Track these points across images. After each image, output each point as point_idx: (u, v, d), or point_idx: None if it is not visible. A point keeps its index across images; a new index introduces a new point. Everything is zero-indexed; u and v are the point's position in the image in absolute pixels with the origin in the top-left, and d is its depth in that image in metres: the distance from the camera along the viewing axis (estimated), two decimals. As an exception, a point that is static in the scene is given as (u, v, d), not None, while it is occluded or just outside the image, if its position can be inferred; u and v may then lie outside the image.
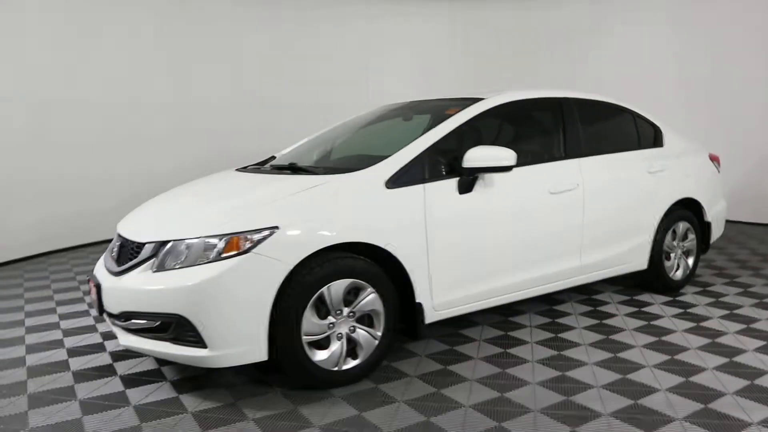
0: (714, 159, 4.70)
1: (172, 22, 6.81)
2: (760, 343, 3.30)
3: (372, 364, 2.88)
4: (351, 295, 2.80)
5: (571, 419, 2.47)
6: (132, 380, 2.91)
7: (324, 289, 2.68)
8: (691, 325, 3.61)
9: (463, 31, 8.13)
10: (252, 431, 2.40)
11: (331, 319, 2.74)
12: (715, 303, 4.05)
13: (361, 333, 2.84)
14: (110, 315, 2.81)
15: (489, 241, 3.20)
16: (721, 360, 3.06)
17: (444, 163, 3.12)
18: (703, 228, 4.50)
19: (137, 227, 2.95)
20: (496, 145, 3.13)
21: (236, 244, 2.54)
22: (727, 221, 6.10)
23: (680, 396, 2.66)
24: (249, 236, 2.56)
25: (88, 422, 2.49)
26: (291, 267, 2.58)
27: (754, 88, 6.96)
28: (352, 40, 7.84)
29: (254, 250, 2.53)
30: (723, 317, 3.75)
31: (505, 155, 3.06)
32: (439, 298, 3.06)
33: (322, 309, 2.72)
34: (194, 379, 2.90)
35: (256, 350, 2.57)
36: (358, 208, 2.82)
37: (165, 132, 6.83)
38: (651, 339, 3.38)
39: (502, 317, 3.78)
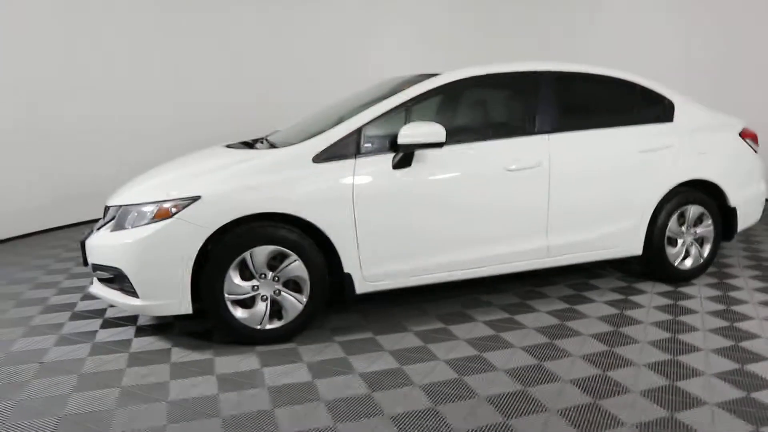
0: (748, 136, 4.16)
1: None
2: None
3: (297, 327, 3.10)
4: (277, 261, 3.04)
5: (749, 416, 2.35)
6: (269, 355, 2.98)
7: (246, 253, 2.95)
8: None
9: (469, 3, 7.81)
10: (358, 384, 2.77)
11: (255, 282, 3.01)
12: None
13: (287, 297, 3.07)
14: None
15: (425, 217, 3.22)
16: None
17: (385, 139, 3.19)
18: (726, 213, 4.04)
19: (116, 193, 3.43)
20: (435, 122, 3.13)
21: (165, 210, 2.90)
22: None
23: None
24: (174, 204, 2.89)
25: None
26: (210, 232, 2.87)
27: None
28: (351, 14, 7.53)
29: (177, 216, 2.86)
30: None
31: (434, 131, 3.06)
32: (369, 270, 3.17)
33: (247, 272, 3.00)
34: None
35: (181, 304, 2.92)
36: (282, 181, 3.01)
37: (163, 110, 6.66)
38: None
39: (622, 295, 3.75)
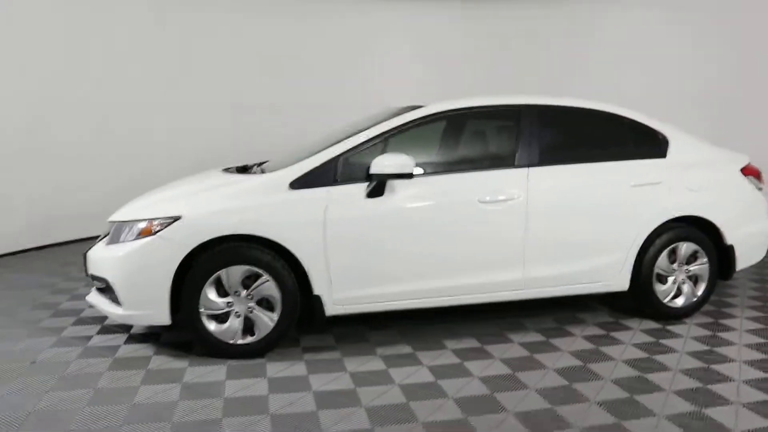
0: (751, 173, 4.03)
1: (166, 12, 6.72)
2: None
3: (268, 343, 3.27)
4: (251, 280, 3.23)
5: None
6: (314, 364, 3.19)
7: (222, 271, 3.16)
8: None
9: (466, 29, 7.89)
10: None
11: (229, 298, 3.21)
12: None
13: (259, 315, 3.25)
14: (93, 276, 3.64)
15: (396, 245, 3.33)
16: None
17: (361, 168, 3.34)
18: (723, 252, 3.93)
19: (118, 210, 3.74)
20: (416, 152, 3.26)
21: (149, 228, 3.16)
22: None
23: None
24: (157, 222, 3.15)
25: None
26: (189, 249, 3.10)
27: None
28: (350, 39, 7.65)
29: (158, 234, 3.11)
30: None
31: (403, 162, 3.19)
32: (339, 293, 3.31)
33: (223, 289, 3.20)
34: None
35: (161, 315, 3.16)
36: (258, 205, 3.20)
37: (159, 134, 6.81)
38: None
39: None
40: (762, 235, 4.08)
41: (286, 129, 7.12)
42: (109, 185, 6.39)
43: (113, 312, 3.25)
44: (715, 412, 2.66)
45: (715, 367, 3.15)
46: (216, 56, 7.09)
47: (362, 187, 3.30)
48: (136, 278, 3.14)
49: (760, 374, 3.07)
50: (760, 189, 4.09)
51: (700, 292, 3.90)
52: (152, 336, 3.57)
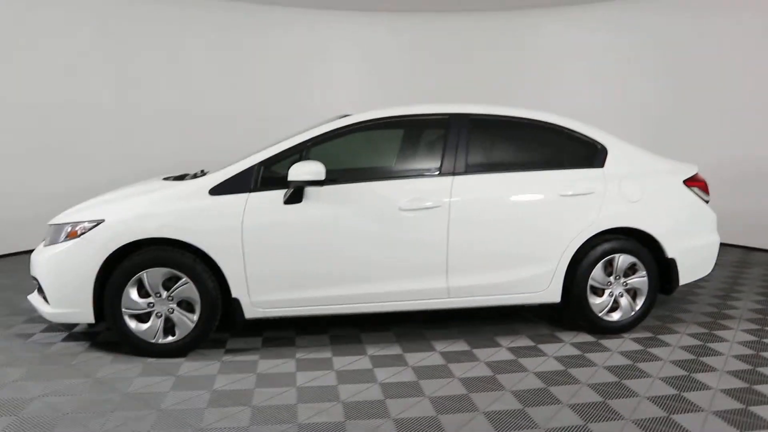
0: (696, 184, 3.92)
1: (109, 22, 6.67)
2: None
3: (188, 343, 3.38)
4: (173, 282, 3.36)
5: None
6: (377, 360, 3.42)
7: (143, 273, 3.30)
8: None
9: (410, 41, 7.96)
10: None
11: (151, 299, 3.35)
12: None
13: (179, 316, 3.37)
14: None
15: (313, 252, 3.39)
16: None
17: (281, 176, 3.42)
18: (665, 265, 3.83)
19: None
20: (340, 160, 3.34)
21: (74, 230, 3.33)
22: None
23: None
24: (82, 225, 3.32)
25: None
26: (110, 252, 3.25)
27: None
28: (295, 49, 7.70)
29: (83, 236, 3.28)
30: None
31: (314, 170, 3.26)
32: (257, 297, 3.40)
33: (144, 290, 3.34)
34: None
35: (85, 313, 3.32)
36: (178, 210, 3.33)
37: (103, 140, 6.73)
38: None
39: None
40: (708, 248, 3.97)
41: (235, 138, 7.12)
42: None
43: (44, 310, 3.43)
44: (601, 428, 2.62)
45: (628, 382, 3.08)
46: (164, 65, 7.09)
47: (281, 194, 3.39)
48: (61, 278, 3.31)
49: (739, 384, 3.04)
50: (706, 201, 3.97)
51: (638, 307, 3.82)
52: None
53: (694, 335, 3.80)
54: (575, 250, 3.68)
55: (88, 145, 6.65)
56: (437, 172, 3.59)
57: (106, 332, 3.77)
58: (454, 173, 3.58)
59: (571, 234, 3.66)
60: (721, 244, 6.59)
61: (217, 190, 3.39)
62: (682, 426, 2.61)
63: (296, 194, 3.37)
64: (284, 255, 3.39)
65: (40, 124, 6.29)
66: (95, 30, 6.61)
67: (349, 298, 3.49)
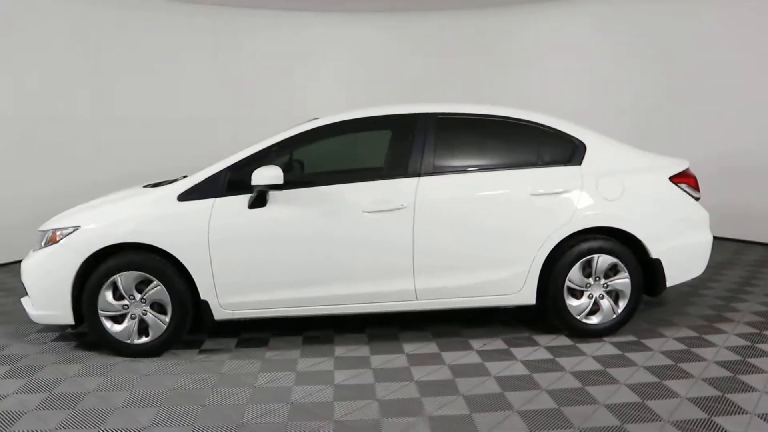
0: (684, 180, 3.72)
1: (88, 30, 6.57)
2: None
3: (162, 344, 3.50)
4: (146, 285, 3.48)
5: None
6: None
7: (117, 276, 3.44)
8: None
9: (396, 41, 7.83)
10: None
11: (125, 301, 3.49)
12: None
13: (152, 317, 3.49)
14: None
15: (278, 255, 3.43)
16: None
17: (246, 180, 3.46)
18: (650, 266, 3.65)
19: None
20: (306, 164, 3.38)
21: (54, 236, 3.51)
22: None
23: None
24: (60, 232, 3.49)
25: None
26: (86, 256, 3.40)
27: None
28: (281, 52, 7.62)
29: (61, 242, 3.45)
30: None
31: (273, 174, 3.30)
32: (225, 299, 3.47)
33: (118, 292, 3.48)
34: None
35: (65, 315, 3.48)
36: (149, 216, 3.45)
37: (82, 147, 6.63)
38: None
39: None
40: (698, 247, 3.75)
41: (218, 142, 7.01)
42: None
43: (30, 312, 3.63)
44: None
45: (591, 389, 2.96)
46: (146, 68, 6.99)
47: (246, 199, 3.45)
48: (42, 282, 3.49)
49: (712, 392, 2.90)
50: (696, 198, 3.76)
51: (620, 309, 3.66)
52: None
53: (681, 339, 3.61)
54: (549, 250, 3.56)
55: (71, 156, 6.57)
56: (403, 174, 3.56)
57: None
58: (420, 174, 3.54)
59: (544, 234, 3.54)
60: (737, 240, 6.37)
61: (184, 196, 3.48)
62: (631, 436, 2.49)
63: (260, 198, 3.42)
64: (250, 258, 3.45)
65: (21, 136, 6.20)
66: (72, 36, 6.48)
67: (316, 300, 3.52)
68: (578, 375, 3.13)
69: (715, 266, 5.39)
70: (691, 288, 4.71)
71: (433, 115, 3.67)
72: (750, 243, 6.39)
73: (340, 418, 2.72)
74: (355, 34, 7.85)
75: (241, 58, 7.56)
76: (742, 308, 4.17)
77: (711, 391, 2.88)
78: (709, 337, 3.62)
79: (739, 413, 2.65)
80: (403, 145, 3.63)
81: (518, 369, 3.24)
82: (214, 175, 3.51)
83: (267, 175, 3.32)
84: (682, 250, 3.70)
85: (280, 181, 3.31)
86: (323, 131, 3.64)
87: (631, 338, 3.65)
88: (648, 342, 3.58)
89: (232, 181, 3.50)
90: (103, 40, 6.72)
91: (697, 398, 2.81)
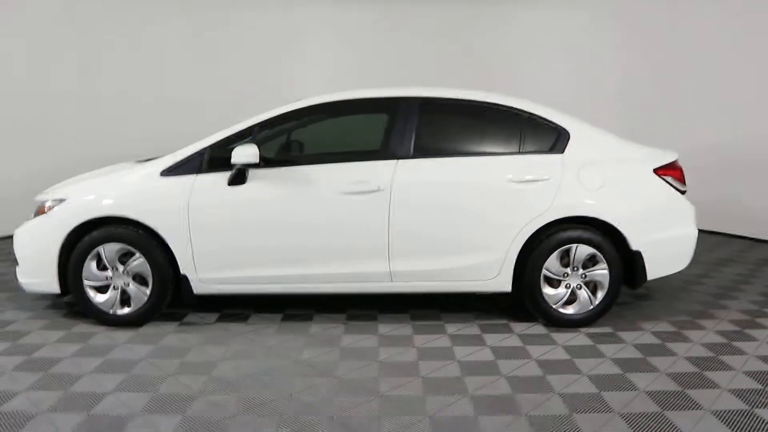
0: (669, 173, 3.63)
1: (75, 7, 6.56)
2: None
3: (143, 314, 3.62)
4: (128, 257, 3.60)
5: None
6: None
7: (100, 248, 3.56)
8: None
9: (388, 26, 7.64)
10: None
11: (109, 272, 3.61)
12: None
13: (133, 289, 3.62)
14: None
15: (255, 232, 3.50)
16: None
17: (227, 159, 3.52)
18: (629, 257, 3.59)
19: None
20: (289, 144, 3.44)
21: (42, 207, 3.65)
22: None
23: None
24: (48, 204, 3.62)
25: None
26: (70, 228, 3.53)
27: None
28: (269, 32, 7.45)
29: (48, 213, 3.59)
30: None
31: (249, 152, 3.36)
32: (204, 274, 3.56)
33: (102, 263, 3.60)
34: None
35: (51, 284, 3.63)
36: (132, 191, 3.55)
37: (68, 125, 6.64)
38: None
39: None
40: (682, 240, 3.67)
41: (207, 122, 6.58)
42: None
43: (20, 280, 3.78)
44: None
45: (551, 378, 2.95)
46: (135, 48, 6.98)
47: (226, 176, 3.52)
48: (30, 251, 3.64)
49: (673, 386, 2.87)
50: (682, 191, 3.67)
51: (598, 300, 3.62)
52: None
53: (658, 333, 3.55)
54: (526, 238, 3.54)
55: (60, 132, 6.63)
56: (382, 156, 3.57)
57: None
58: (398, 157, 3.55)
59: (521, 222, 3.51)
60: (744, 237, 6.18)
61: (167, 172, 3.57)
62: (579, 427, 2.49)
63: (239, 176, 3.49)
64: (228, 234, 3.52)
65: (6, 113, 6.28)
66: (60, 16, 6.47)
67: (291, 278, 3.58)
68: (543, 363, 3.13)
69: (716, 262, 5.26)
70: (684, 283, 4.61)
71: (416, 99, 3.66)
72: (759, 241, 6.19)
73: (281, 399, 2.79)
74: (343, 16, 7.72)
75: (229, 34, 7.38)
76: (731, 306, 4.07)
77: (672, 386, 2.84)
78: (688, 333, 3.56)
79: (693, 408, 2.62)
80: (384, 128, 3.64)
81: (485, 355, 3.25)
82: (196, 152, 3.59)
83: (245, 153, 3.38)
84: (665, 244, 3.62)
85: (256, 159, 3.37)
86: (306, 112, 3.68)
87: (607, 330, 3.61)
88: (623, 334, 3.54)
89: (214, 158, 3.57)
90: (91, 17, 6.72)
91: (655, 392, 2.78)
